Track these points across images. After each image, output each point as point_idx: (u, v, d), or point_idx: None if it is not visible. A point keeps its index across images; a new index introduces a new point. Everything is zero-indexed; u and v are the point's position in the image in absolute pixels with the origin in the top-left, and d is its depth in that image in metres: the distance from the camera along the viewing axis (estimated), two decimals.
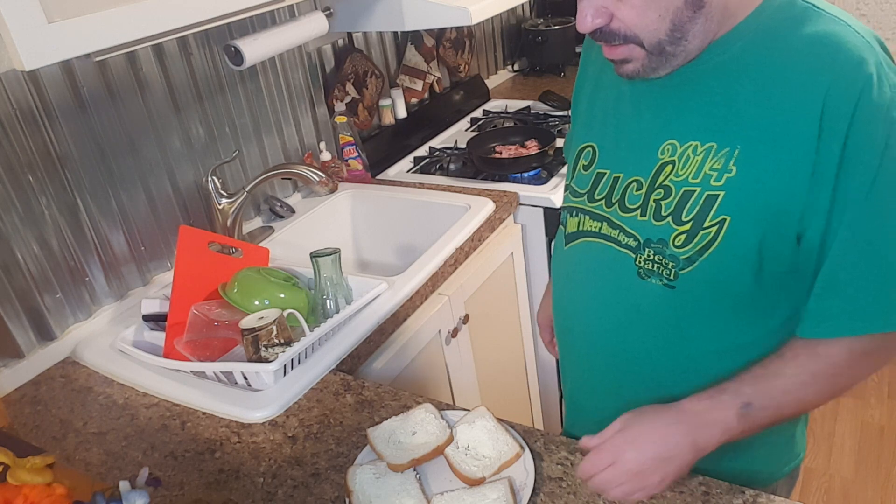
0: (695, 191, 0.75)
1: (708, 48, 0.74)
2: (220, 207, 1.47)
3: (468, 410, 0.96)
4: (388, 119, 2.04)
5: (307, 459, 0.96)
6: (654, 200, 0.78)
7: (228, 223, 1.48)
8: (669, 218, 0.77)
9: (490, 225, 1.57)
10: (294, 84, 1.72)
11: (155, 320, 1.28)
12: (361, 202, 1.79)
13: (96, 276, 1.32)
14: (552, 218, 1.67)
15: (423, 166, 1.95)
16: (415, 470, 0.88)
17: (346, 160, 1.86)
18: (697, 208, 0.75)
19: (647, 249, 0.79)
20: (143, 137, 1.37)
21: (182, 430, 1.05)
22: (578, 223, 0.88)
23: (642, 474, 0.73)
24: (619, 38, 0.72)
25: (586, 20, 0.71)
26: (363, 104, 1.92)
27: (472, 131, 2.21)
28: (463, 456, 0.88)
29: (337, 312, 1.20)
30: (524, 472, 0.86)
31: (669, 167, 0.78)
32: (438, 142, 2.13)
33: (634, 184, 0.81)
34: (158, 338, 1.26)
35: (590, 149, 0.88)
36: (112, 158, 1.32)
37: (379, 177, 1.90)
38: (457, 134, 2.19)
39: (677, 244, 0.76)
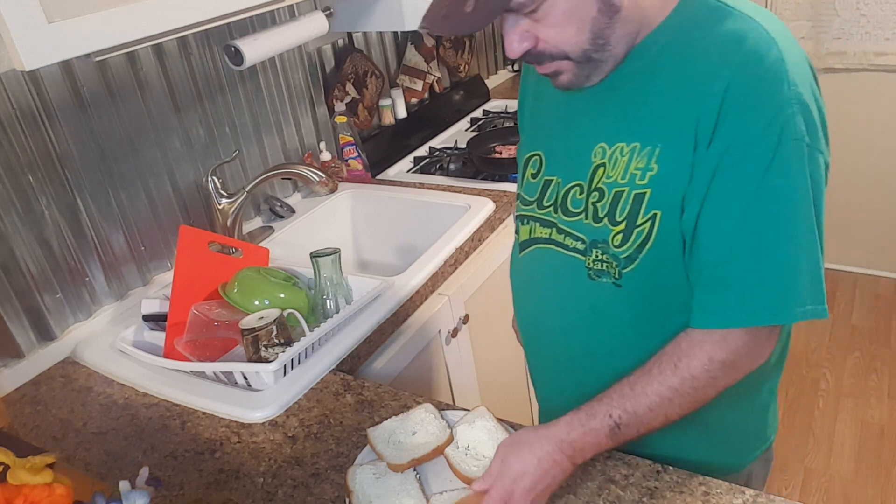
0: (624, 191, 0.78)
1: (630, 52, 0.76)
2: (220, 207, 1.47)
3: (468, 410, 0.96)
4: (388, 119, 2.04)
5: (307, 459, 0.96)
6: (592, 203, 0.81)
7: (228, 223, 1.48)
8: (606, 219, 0.80)
9: (490, 225, 1.57)
10: (294, 84, 1.72)
11: (155, 320, 1.28)
12: (361, 202, 1.79)
13: (96, 276, 1.32)
14: None
15: (423, 166, 1.95)
16: (415, 470, 0.88)
17: (346, 160, 1.86)
18: (628, 208, 0.77)
19: (594, 251, 0.82)
20: (143, 137, 1.37)
21: (182, 430, 1.05)
22: (530, 230, 0.91)
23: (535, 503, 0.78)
24: (547, 57, 0.75)
25: (513, 46, 0.74)
26: (363, 104, 1.92)
27: (472, 131, 2.21)
28: (463, 456, 0.88)
29: (337, 312, 1.20)
30: None
31: (602, 169, 0.80)
32: (438, 142, 2.13)
33: (576, 188, 0.84)
34: (158, 338, 1.26)
35: (536, 157, 0.91)
36: (112, 158, 1.32)
37: (379, 177, 1.90)
38: (457, 134, 2.19)
39: (616, 244, 0.79)
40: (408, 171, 1.93)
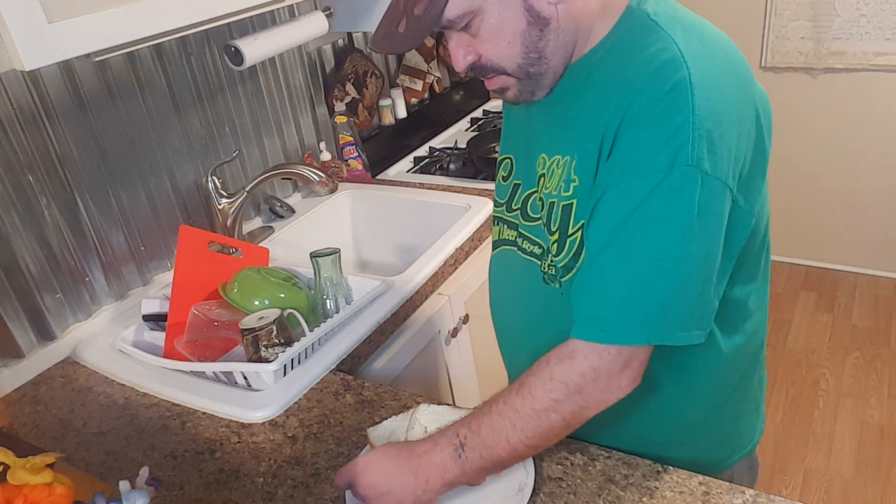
0: (554, 202, 0.79)
1: (573, 65, 0.78)
2: (220, 207, 1.47)
3: (470, 410, 0.95)
4: (388, 119, 2.04)
5: (307, 459, 0.96)
6: (541, 211, 0.84)
7: (228, 223, 1.48)
8: (545, 229, 0.82)
9: (490, 225, 1.56)
10: (294, 84, 1.72)
11: (155, 320, 1.28)
12: (361, 202, 1.79)
13: (96, 276, 1.32)
14: None
15: (423, 166, 1.95)
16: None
17: (346, 160, 1.86)
18: (559, 218, 0.79)
19: (547, 256, 0.83)
20: (143, 137, 1.37)
21: (182, 430, 1.05)
22: (499, 231, 0.93)
23: None
24: (489, 70, 0.77)
25: (458, 60, 0.76)
26: (363, 104, 1.92)
27: (472, 131, 2.21)
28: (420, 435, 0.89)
29: (337, 312, 1.20)
30: (524, 472, 0.86)
31: (542, 179, 0.83)
32: (438, 142, 2.13)
33: (535, 195, 0.86)
34: (158, 338, 1.26)
35: (508, 160, 0.93)
36: (112, 158, 1.32)
37: (379, 177, 1.90)
38: (457, 134, 2.19)
39: (554, 253, 0.81)
40: (408, 171, 1.93)
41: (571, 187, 0.77)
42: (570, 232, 0.77)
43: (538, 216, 0.85)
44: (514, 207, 0.90)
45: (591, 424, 0.77)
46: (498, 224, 0.94)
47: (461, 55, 0.76)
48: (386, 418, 0.96)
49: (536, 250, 0.85)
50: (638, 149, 0.69)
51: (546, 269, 0.84)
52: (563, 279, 0.80)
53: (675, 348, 0.73)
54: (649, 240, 0.69)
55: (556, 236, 0.80)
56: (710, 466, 0.94)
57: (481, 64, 0.76)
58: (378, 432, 0.92)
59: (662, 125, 0.67)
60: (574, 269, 0.78)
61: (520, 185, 0.89)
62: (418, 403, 0.95)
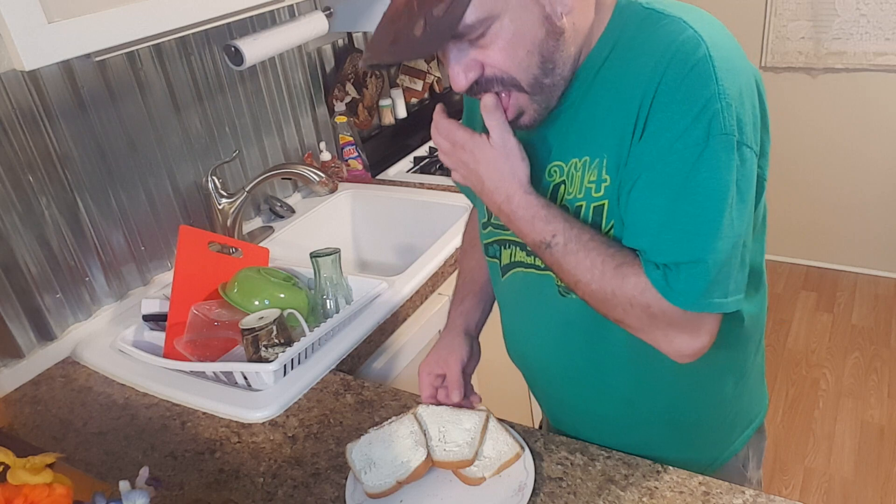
0: (582, 205, 0.78)
1: (578, 71, 0.77)
2: (220, 207, 1.47)
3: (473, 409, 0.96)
4: (388, 119, 2.04)
5: (307, 459, 0.96)
6: None
7: (228, 223, 1.48)
8: None
9: None
10: (294, 84, 1.72)
11: (155, 320, 1.28)
12: (361, 202, 1.79)
13: (96, 276, 1.32)
14: None
15: (423, 166, 1.95)
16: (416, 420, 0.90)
17: (346, 160, 1.86)
18: (590, 220, 0.78)
19: None
20: (143, 137, 1.37)
21: (182, 430, 1.05)
22: (511, 255, 0.91)
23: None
24: (496, 83, 0.74)
25: (460, 79, 0.73)
26: (363, 104, 1.92)
27: None
28: (443, 448, 0.88)
29: (337, 312, 1.20)
30: (524, 471, 0.86)
31: (562, 188, 0.81)
32: None
33: None
34: (158, 338, 1.26)
35: None
36: (112, 158, 1.32)
37: (379, 177, 1.90)
38: None
39: None
40: (408, 171, 1.93)
41: (602, 187, 0.76)
42: (604, 231, 0.77)
43: None
44: None
45: (623, 397, 0.83)
46: (508, 247, 0.91)
47: (462, 72, 0.72)
48: (386, 418, 0.96)
49: None
50: (671, 129, 0.69)
51: (559, 281, 0.83)
52: None
53: None
54: (705, 211, 0.69)
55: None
56: (729, 442, 0.96)
57: (486, 77, 0.73)
58: (356, 454, 0.89)
59: (692, 102, 0.68)
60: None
61: None
62: (417, 404, 0.95)
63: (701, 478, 0.84)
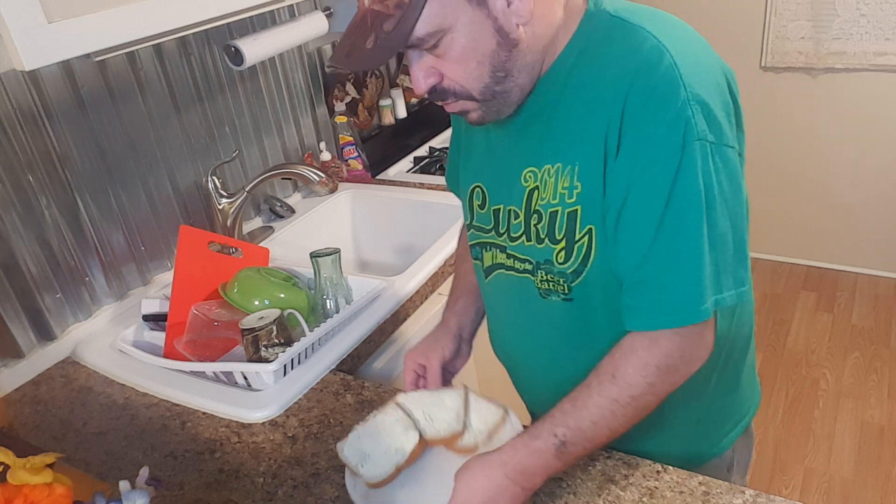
0: (558, 210, 0.80)
1: (542, 78, 0.78)
2: (220, 207, 1.47)
3: (454, 388, 0.96)
4: (388, 119, 2.04)
5: (307, 459, 0.96)
6: (533, 226, 0.83)
7: (228, 223, 1.48)
8: (547, 239, 0.82)
9: None
10: (294, 84, 1.72)
11: (155, 320, 1.28)
12: (361, 202, 1.79)
13: (96, 276, 1.32)
14: None
15: (423, 166, 1.95)
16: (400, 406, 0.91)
17: (346, 160, 1.86)
18: (565, 226, 0.79)
19: (539, 271, 0.84)
20: (143, 137, 1.37)
21: (182, 430, 1.05)
22: (492, 256, 0.93)
23: None
24: (451, 95, 0.76)
25: (419, 83, 0.75)
26: (363, 104, 1.92)
27: None
28: (433, 426, 0.90)
29: (337, 312, 1.20)
30: (514, 431, 0.88)
31: (536, 192, 0.82)
32: (438, 142, 2.13)
33: (513, 213, 0.86)
34: (158, 338, 1.26)
35: (479, 189, 0.93)
36: (112, 158, 1.32)
37: (379, 177, 1.90)
38: None
39: (560, 261, 0.81)
40: (408, 171, 1.93)
41: (574, 194, 0.77)
42: (577, 238, 0.79)
43: (519, 234, 0.85)
44: (501, 231, 0.89)
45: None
46: (489, 250, 0.93)
47: (422, 77, 0.74)
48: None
49: (528, 267, 0.86)
50: (648, 140, 0.71)
51: (539, 283, 0.84)
52: (573, 284, 0.81)
53: None
54: (690, 220, 0.71)
55: (562, 244, 0.80)
56: (716, 440, 0.97)
57: (443, 87, 0.75)
58: (348, 451, 0.89)
59: (664, 111, 0.69)
60: (583, 274, 0.80)
61: (500, 208, 0.89)
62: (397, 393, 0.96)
63: (701, 478, 0.84)
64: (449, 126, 2.21)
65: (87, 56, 1.20)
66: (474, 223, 0.94)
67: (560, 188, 0.79)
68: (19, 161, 1.17)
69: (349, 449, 0.89)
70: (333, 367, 1.14)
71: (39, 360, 1.23)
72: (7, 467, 0.69)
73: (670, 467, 0.86)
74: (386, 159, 1.96)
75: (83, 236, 1.29)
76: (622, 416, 0.76)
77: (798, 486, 2.06)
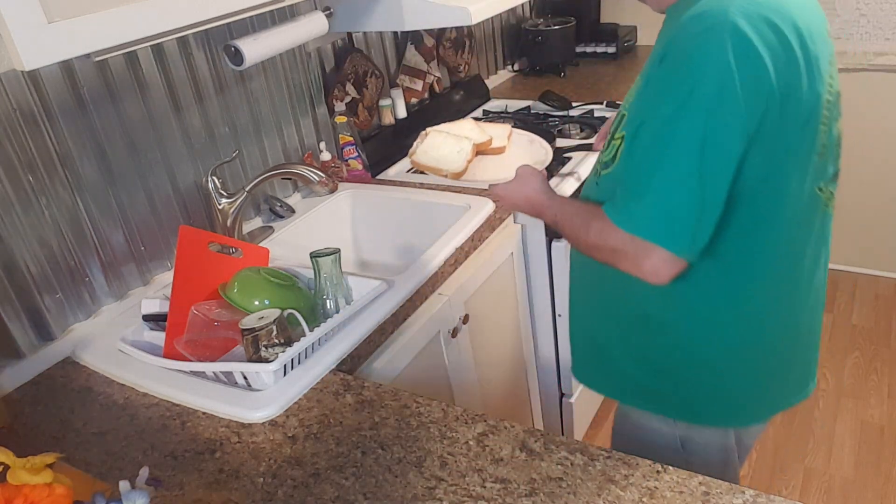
0: (624, 114, 0.97)
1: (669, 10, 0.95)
2: (220, 207, 1.47)
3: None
4: (388, 119, 2.04)
5: (307, 459, 0.96)
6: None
7: (228, 223, 1.48)
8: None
9: (490, 225, 1.57)
10: (294, 84, 1.72)
11: (155, 320, 1.28)
12: (361, 202, 1.79)
13: (96, 276, 1.32)
14: None
15: None
16: None
17: (346, 160, 1.86)
18: (616, 124, 0.97)
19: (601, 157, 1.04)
20: (143, 137, 1.37)
21: (182, 430, 1.05)
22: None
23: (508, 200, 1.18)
24: None
25: None
26: (363, 104, 1.92)
27: None
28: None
29: (337, 312, 1.20)
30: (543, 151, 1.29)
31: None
32: None
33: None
34: (158, 338, 1.26)
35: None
36: (112, 158, 1.32)
37: (379, 177, 1.90)
38: None
39: (603, 151, 1.02)
40: (408, 171, 1.92)
41: (629, 103, 0.95)
42: (615, 136, 0.95)
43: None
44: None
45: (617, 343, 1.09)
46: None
47: None
48: (386, 418, 0.96)
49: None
50: (672, 75, 0.83)
51: (597, 164, 1.04)
52: (603, 172, 0.99)
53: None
54: (666, 151, 0.83)
55: (609, 137, 0.99)
56: (660, 400, 1.10)
57: None
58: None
59: (692, 58, 0.81)
60: (611, 167, 0.96)
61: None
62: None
63: (701, 478, 0.84)
64: None
65: (87, 56, 1.20)
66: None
67: (629, 97, 0.97)
68: (19, 161, 1.17)
69: None
70: (333, 367, 1.14)
71: (39, 360, 1.23)
72: (7, 467, 0.70)
73: (670, 467, 0.86)
74: (386, 159, 1.96)
75: (83, 236, 1.29)
76: (584, 239, 0.98)
77: (798, 486, 2.06)
